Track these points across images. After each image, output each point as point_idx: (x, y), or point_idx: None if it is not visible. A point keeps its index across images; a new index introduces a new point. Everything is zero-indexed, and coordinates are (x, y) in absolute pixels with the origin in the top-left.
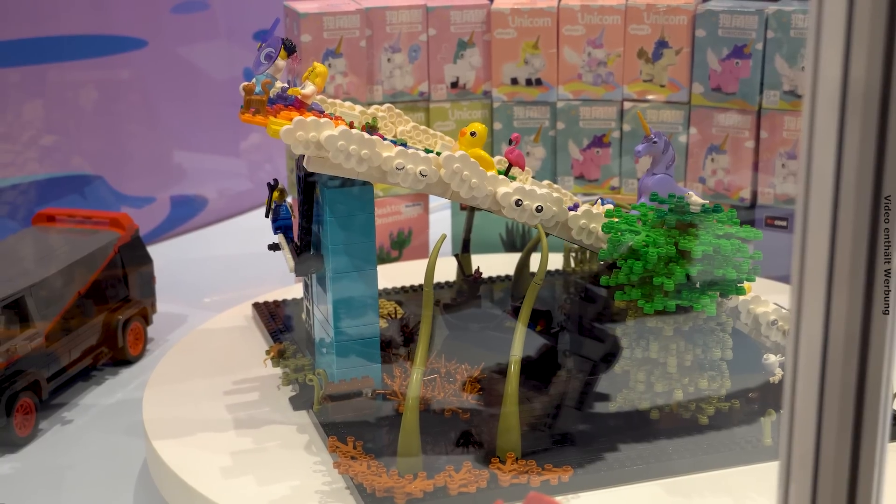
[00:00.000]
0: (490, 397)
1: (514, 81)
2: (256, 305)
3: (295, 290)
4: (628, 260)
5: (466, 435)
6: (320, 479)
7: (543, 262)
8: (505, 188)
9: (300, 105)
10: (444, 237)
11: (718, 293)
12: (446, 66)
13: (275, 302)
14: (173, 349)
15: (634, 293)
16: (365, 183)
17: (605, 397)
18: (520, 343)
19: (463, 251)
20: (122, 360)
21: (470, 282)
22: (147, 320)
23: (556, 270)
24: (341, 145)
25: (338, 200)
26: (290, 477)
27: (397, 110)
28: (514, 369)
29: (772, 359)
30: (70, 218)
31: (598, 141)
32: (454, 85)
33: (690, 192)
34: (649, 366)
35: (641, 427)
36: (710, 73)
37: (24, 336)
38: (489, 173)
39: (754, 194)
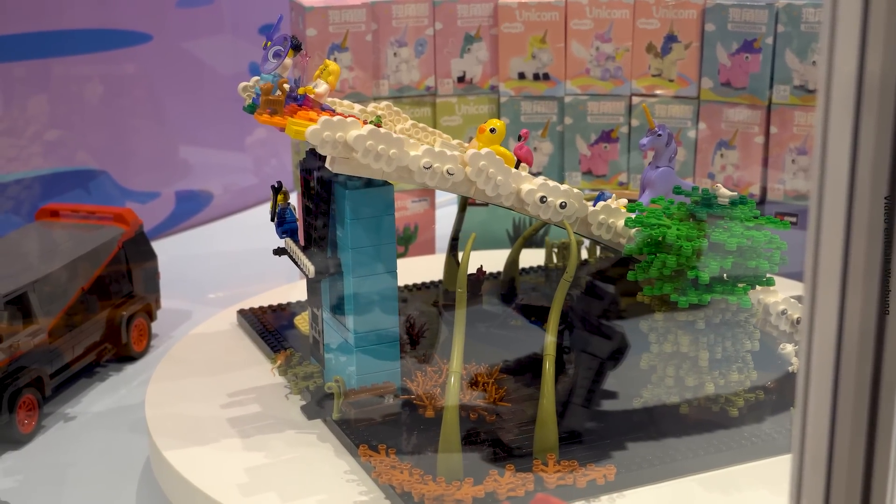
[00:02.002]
0: (512, 397)
1: (522, 76)
2: (242, 312)
3: (279, 294)
4: (659, 254)
5: (496, 436)
6: (349, 488)
7: (573, 258)
8: (529, 185)
9: (314, 104)
10: (474, 236)
11: (750, 285)
12: (453, 61)
13: (260, 308)
14: (177, 346)
15: (666, 287)
16: (385, 183)
17: (613, 395)
18: (552, 341)
19: (451, 250)
20: (126, 357)
21: (472, 280)
22: (151, 316)
23: (539, 266)
24: (370, 145)
25: (360, 201)
26: (303, 482)
27: (395, 108)
28: (549, 367)
29: (788, 348)
30: (74, 213)
31: (606, 136)
32: (461, 79)
33: (719, 185)
34: (678, 360)
35: (655, 424)
36: (720, 68)
37: (27, 332)
38: (512, 170)
39: (764, 190)
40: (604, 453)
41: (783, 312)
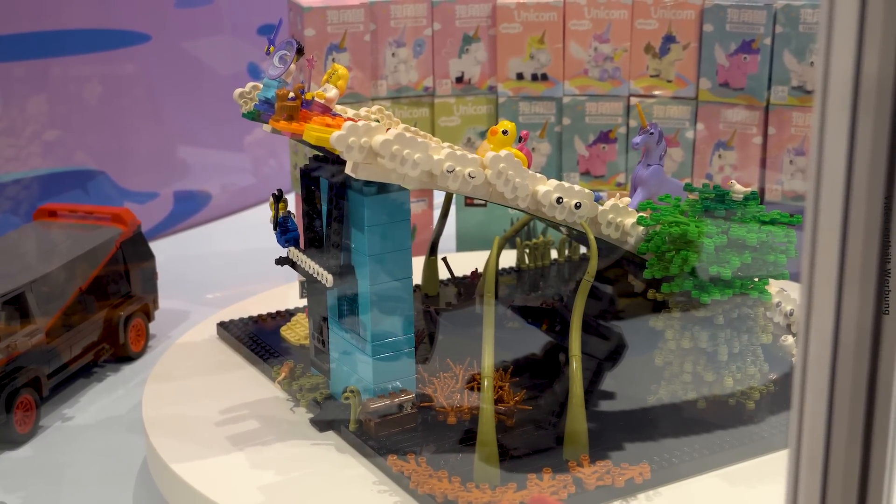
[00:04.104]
0: (526, 399)
1: (520, 76)
2: (223, 324)
3: (277, 294)
4: (680, 251)
5: (520, 438)
6: (382, 498)
7: (593, 258)
8: (544, 186)
9: (323, 109)
10: (497, 239)
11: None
12: (451, 61)
13: (240, 319)
14: (174, 346)
15: (687, 284)
16: (399, 188)
17: (611, 395)
18: (577, 341)
19: (430, 254)
20: (124, 357)
21: (467, 283)
22: (149, 317)
23: (511, 268)
24: (396, 150)
25: (377, 208)
26: (322, 492)
27: (387, 112)
28: (576, 367)
29: (789, 340)
30: (72, 213)
31: (605, 137)
32: (459, 80)
33: (733, 181)
34: (694, 356)
35: (674, 420)
36: (718, 69)
37: (24, 332)
38: (529, 172)
39: (762, 191)
40: (630, 453)
41: (777, 305)
